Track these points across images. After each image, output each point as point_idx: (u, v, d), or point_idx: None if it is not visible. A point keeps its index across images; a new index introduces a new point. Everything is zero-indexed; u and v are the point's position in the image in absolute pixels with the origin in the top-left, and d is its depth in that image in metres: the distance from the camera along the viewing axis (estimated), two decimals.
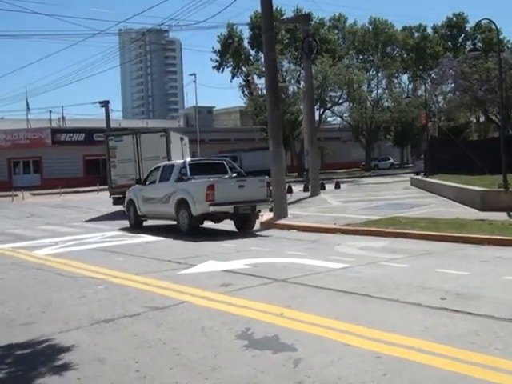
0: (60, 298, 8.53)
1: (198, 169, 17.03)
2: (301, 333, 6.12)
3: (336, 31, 69.37)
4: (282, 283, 8.80)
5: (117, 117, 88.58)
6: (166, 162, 18.87)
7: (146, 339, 6.22)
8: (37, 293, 9.09)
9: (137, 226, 18.04)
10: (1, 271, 11.27)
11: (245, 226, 16.20)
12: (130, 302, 7.94)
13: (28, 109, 63.84)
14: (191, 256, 11.85)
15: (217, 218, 16.07)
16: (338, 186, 35.30)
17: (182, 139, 27.10)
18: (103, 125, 53.84)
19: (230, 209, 15.44)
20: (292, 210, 19.46)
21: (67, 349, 6.06)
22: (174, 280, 9.32)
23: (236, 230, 16.37)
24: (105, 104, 53.96)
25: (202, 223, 16.21)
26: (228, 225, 16.64)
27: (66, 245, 14.83)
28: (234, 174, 17.56)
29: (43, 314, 7.68)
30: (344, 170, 64.18)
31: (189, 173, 16.55)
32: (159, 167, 17.89)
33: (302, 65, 47.57)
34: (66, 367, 5.52)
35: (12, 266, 11.96)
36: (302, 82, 48.84)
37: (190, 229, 15.68)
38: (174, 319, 6.97)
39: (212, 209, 15.35)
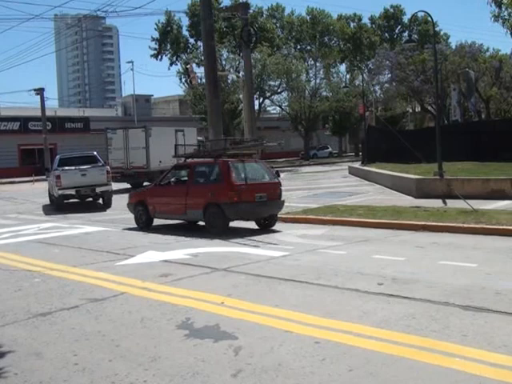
0: None
1: (70, 162, 21.80)
2: (241, 321, 6.16)
3: (274, 20, 69.54)
4: (222, 272, 8.82)
5: (53, 105, 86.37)
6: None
7: (85, 332, 6.12)
8: None
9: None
10: None
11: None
12: (67, 295, 7.78)
13: None
14: (130, 247, 11.71)
15: (76, 197, 21.14)
16: (277, 175, 35.51)
17: (178, 131, 32.36)
18: (39, 113, 52.27)
19: (72, 191, 20.25)
20: None
21: (3, 344, 5.90)
22: (113, 271, 9.19)
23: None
24: (40, 92, 52.34)
25: (63, 202, 20.95)
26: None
27: (1, 237, 14.36)
28: (100, 164, 21.68)
29: None
30: (283, 159, 64.57)
31: (55, 165, 21.82)
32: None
33: (241, 54, 47.58)
34: (1, 363, 5.38)
35: None
36: (241, 71, 48.85)
37: (57, 207, 21.05)
38: (113, 311, 6.88)
39: (60, 192, 20.45)
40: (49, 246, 12.48)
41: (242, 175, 13.52)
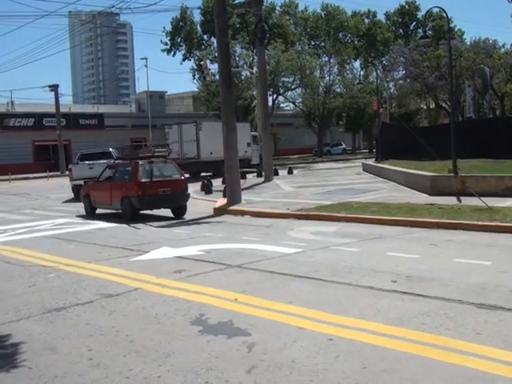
0: (10, 287, 8.35)
1: (89, 157, 25.22)
2: (255, 317, 6.17)
3: (288, 17, 69.31)
4: (236, 269, 8.83)
5: (67, 101, 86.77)
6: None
7: (99, 327, 6.15)
8: None
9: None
10: None
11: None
12: (82, 290, 7.84)
13: None
14: (144, 243, 11.76)
15: None
16: (290, 172, 35.49)
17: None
18: (53, 110, 52.62)
19: (81, 182, 21.26)
20: (245, 196, 19.50)
21: (18, 338, 5.95)
22: (127, 267, 9.24)
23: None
24: (54, 88, 52.63)
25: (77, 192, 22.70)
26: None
27: (16, 232, 14.50)
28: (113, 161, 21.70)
29: None
30: (297, 156, 64.44)
31: (76, 160, 25.89)
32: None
33: (254, 50, 47.49)
34: (16, 357, 5.43)
35: None
36: (254, 68, 48.78)
37: (75, 195, 23.73)
38: (128, 306, 6.92)
39: (72, 183, 24.71)
40: (63, 242, 12.58)
41: (148, 174, 16.53)
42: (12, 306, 7.21)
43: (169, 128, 38.03)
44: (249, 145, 39.69)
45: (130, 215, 16.27)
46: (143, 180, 16.44)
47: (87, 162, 24.62)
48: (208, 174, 34.24)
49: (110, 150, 25.06)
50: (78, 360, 5.25)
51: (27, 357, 5.40)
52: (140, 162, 16.78)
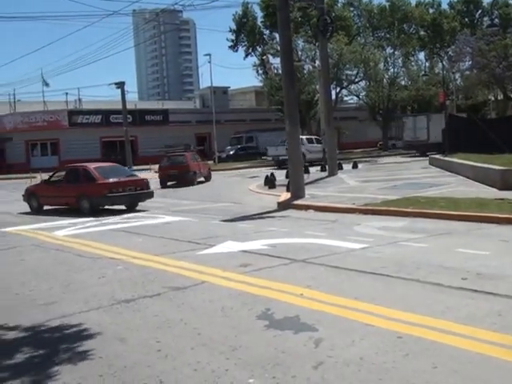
0: (80, 279, 8.60)
1: None
2: (321, 313, 6.11)
3: (352, 8, 68.41)
4: (301, 263, 8.79)
5: (133, 98, 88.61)
6: None
7: (167, 319, 6.25)
8: (57, 273, 9.18)
9: None
10: (21, 252, 11.39)
11: None
12: (150, 283, 7.98)
13: (44, 89, 63.90)
14: (209, 236, 11.86)
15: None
16: (355, 166, 35.06)
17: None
18: (119, 106, 53.78)
19: None
20: (309, 191, 19.38)
21: (88, 328, 6.12)
22: (194, 260, 9.34)
23: None
24: (120, 85, 53.82)
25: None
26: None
27: (85, 226, 14.92)
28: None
29: (63, 294, 7.76)
30: (361, 150, 63.51)
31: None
32: None
33: (317, 43, 47.08)
34: (87, 346, 5.58)
35: (32, 247, 12.06)
36: (317, 61, 48.37)
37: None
38: (195, 299, 6.99)
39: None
40: (131, 235, 12.85)
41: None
42: (82, 297, 7.42)
43: (405, 118, 52.79)
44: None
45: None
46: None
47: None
48: (432, 153, 38.23)
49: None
50: (146, 351, 5.34)
51: (97, 346, 5.55)
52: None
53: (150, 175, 39.97)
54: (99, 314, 6.66)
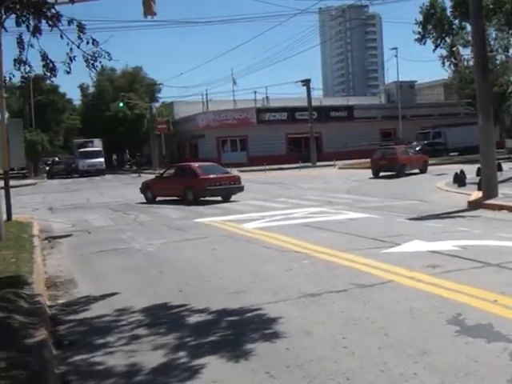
0: (268, 270, 8.88)
1: None
2: None
3: None
4: (494, 268, 8.24)
5: (318, 95, 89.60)
6: None
7: (353, 316, 6.22)
8: (246, 264, 9.58)
9: None
10: (213, 242, 12.06)
11: None
12: (335, 278, 8.01)
13: (234, 88, 66.83)
14: (395, 234, 11.59)
15: None
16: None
17: None
18: (305, 103, 54.78)
19: None
20: (503, 190, 18.12)
21: (275, 319, 6.30)
22: (379, 258, 9.19)
23: None
24: (306, 82, 54.77)
25: None
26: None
27: (273, 219, 15.37)
28: None
29: (252, 284, 8.07)
30: None
31: None
32: None
33: (510, 31, 43.90)
34: (274, 336, 5.75)
35: (222, 237, 12.71)
36: (510, 50, 45.11)
37: None
38: (381, 298, 6.88)
39: None
40: (316, 230, 13.00)
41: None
42: (270, 288, 7.65)
43: None
44: None
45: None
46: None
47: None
48: None
49: None
50: (332, 347, 5.37)
51: (284, 337, 5.69)
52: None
53: (334, 172, 40.35)
54: (286, 305, 6.82)
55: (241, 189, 22.42)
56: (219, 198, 21.95)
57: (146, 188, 24.17)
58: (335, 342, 5.46)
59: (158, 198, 23.24)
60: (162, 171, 25.98)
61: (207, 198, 21.76)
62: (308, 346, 5.45)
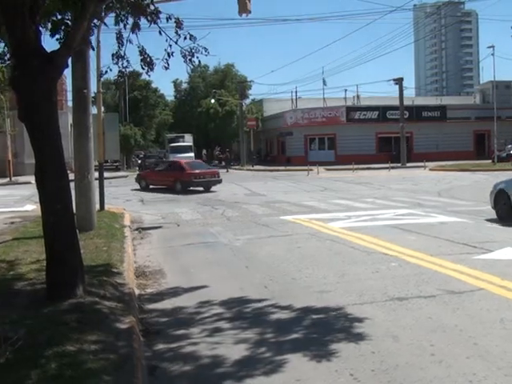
0: (353, 271, 8.80)
1: None
2: None
3: None
4: None
5: (410, 94, 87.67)
6: None
7: (441, 323, 6.06)
8: (331, 263, 9.52)
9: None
10: (298, 240, 12.06)
11: None
12: (423, 283, 7.82)
13: (324, 87, 66.29)
14: (487, 241, 11.16)
15: None
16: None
17: None
18: (396, 102, 53.67)
19: None
20: None
21: (360, 321, 6.24)
22: (470, 265, 8.88)
23: None
24: (399, 81, 53.67)
25: None
26: None
27: (359, 219, 15.18)
28: None
29: (337, 284, 8.01)
30: None
31: None
32: None
33: None
34: (359, 338, 5.69)
35: (308, 235, 12.69)
36: None
37: None
38: (471, 306, 6.66)
39: None
40: (404, 232, 12.71)
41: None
42: (356, 290, 7.58)
43: None
44: None
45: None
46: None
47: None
48: None
49: None
50: (419, 353, 5.25)
51: (370, 340, 5.63)
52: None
53: (425, 173, 39.28)
54: (373, 308, 6.74)
55: (219, 181, 28.14)
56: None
57: (140, 178, 30.92)
58: (422, 349, 5.34)
59: (151, 186, 29.32)
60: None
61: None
62: (394, 350, 5.37)
